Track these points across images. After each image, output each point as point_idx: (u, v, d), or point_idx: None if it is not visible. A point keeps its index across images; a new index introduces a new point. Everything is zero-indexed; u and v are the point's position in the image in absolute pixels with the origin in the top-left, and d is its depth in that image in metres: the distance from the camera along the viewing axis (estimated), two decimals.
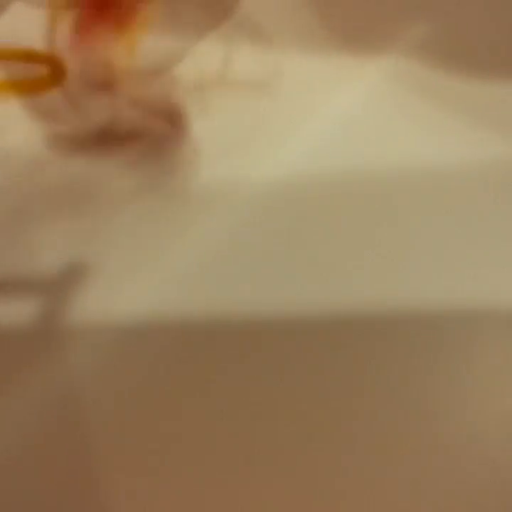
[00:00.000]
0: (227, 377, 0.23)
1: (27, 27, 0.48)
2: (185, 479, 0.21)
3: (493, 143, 0.29)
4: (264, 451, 0.21)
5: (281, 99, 0.31)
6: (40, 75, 0.41)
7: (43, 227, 0.29)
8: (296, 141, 0.30)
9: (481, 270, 0.26)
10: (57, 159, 0.30)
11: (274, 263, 0.27)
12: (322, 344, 0.24)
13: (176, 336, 0.25)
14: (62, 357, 0.24)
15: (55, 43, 0.33)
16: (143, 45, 0.30)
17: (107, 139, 0.29)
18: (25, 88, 0.40)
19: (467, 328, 0.24)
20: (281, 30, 0.32)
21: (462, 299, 0.25)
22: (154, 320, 0.25)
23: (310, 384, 0.23)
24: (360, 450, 0.21)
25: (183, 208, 0.29)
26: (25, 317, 0.26)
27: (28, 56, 0.43)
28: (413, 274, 0.26)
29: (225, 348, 0.24)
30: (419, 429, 0.22)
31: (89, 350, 0.24)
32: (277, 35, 0.32)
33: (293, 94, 0.31)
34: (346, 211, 0.28)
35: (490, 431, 0.22)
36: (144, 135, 0.28)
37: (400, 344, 0.24)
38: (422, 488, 0.21)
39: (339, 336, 0.24)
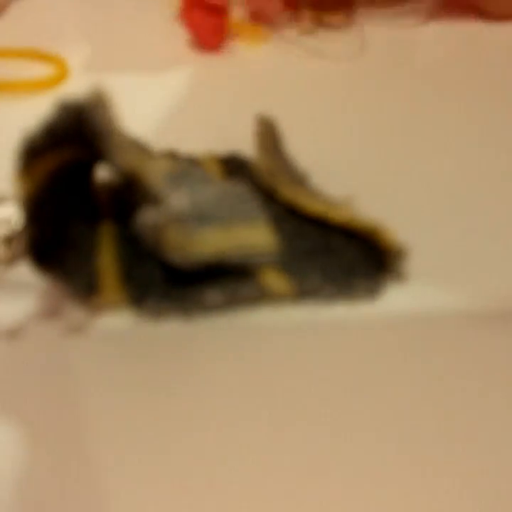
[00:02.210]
0: (226, 373, 0.23)
1: (28, 26, 0.48)
2: (184, 476, 0.21)
3: None
4: (260, 447, 0.21)
5: None
6: (43, 74, 0.41)
7: None
8: None
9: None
10: None
11: None
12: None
13: (177, 333, 0.25)
14: (63, 356, 0.24)
15: None
16: None
17: None
18: (28, 87, 0.40)
19: None
20: None
21: None
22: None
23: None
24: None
25: None
26: (26, 317, 0.26)
27: (31, 55, 0.43)
28: None
29: (225, 343, 0.24)
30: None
31: (89, 349, 0.24)
32: None
33: None
34: None
35: None
36: None
37: None
38: None
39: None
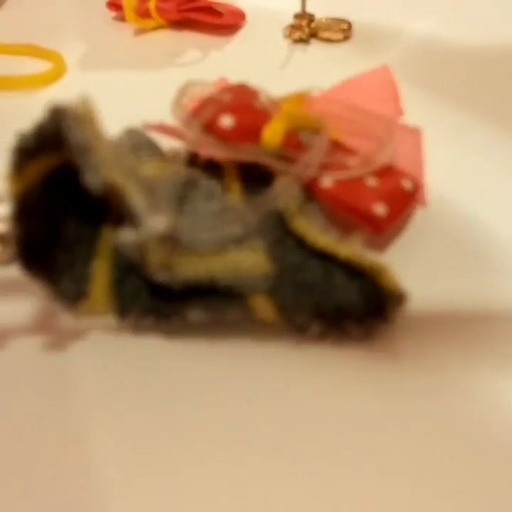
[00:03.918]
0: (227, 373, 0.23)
1: (25, 22, 0.48)
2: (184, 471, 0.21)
3: None
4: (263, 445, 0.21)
5: None
6: (40, 70, 0.40)
7: None
8: None
9: None
10: None
11: None
12: None
13: (178, 333, 0.24)
14: (63, 356, 0.24)
15: None
16: None
17: None
18: (25, 83, 0.40)
19: None
20: None
21: None
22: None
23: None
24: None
25: None
26: (26, 317, 0.25)
27: (28, 51, 0.43)
28: None
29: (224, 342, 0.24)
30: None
31: (89, 349, 0.24)
32: None
33: None
34: None
35: None
36: None
37: None
38: None
39: None
